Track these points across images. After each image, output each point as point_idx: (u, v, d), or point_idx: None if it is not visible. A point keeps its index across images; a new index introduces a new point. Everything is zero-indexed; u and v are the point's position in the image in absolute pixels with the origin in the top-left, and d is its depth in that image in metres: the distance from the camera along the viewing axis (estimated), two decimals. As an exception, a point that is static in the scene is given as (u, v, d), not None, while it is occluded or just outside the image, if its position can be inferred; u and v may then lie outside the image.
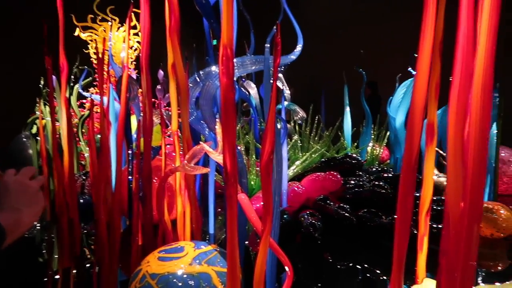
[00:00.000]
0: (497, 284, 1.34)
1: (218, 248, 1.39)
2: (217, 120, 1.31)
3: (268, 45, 1.38)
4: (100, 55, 1.71)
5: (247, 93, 3.42)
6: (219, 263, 1.30)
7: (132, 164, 1.97)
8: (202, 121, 1.94)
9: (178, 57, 1.41)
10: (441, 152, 2.96)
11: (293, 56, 1.53)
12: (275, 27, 1.45)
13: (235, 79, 2.46)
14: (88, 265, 1.92)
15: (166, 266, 1.26)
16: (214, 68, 1.64)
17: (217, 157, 1.28)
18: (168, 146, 2.89)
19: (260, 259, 1.04)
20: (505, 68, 2.61)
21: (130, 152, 1.95)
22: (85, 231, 2.45)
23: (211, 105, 1.55)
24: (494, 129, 2.66)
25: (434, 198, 1.81)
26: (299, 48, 1.55)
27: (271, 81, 2.27)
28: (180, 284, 1.22)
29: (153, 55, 1.59)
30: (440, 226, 1.93)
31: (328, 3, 7.95)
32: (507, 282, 1.33)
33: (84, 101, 4.64)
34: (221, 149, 1.27)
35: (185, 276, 1.23)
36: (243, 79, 3.95)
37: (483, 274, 1.95)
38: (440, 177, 2.77)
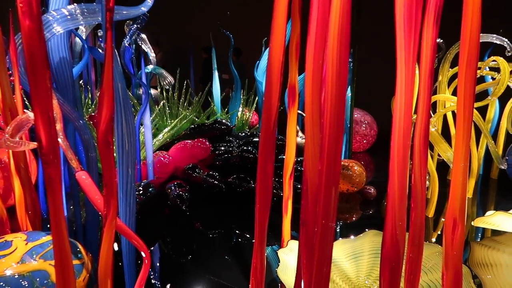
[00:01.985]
0: (352, 237, 1.42)
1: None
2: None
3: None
4: None
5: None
6: (60, 255, 1.08)
7: None
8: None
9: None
10: (302, 113, 3.10)
11: (144, 8, 1.31)
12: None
13: (83, 33, 2.10)
14: None
15: (-14, 269, 0.99)
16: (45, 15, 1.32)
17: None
18: None
19: (105, 247, 0.87)
20: (358, 34, 2.80)
21: None
22: None
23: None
24: (348, 92, 2.88)
25: (298, 159, 1.87)
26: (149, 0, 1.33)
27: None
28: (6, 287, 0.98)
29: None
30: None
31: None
32: (360, 235, 1.42)
33: None
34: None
35: (12, 277, 0.99)
36: (100, 39, 3.49)
37: (341, 226, 2.13)
38: (303, 139, 2.91)
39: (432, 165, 2.18)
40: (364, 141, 3.64)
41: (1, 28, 1.32)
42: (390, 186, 0.64)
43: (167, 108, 3.47)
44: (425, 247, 0.89)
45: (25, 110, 1.13)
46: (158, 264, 1.70)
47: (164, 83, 3.30)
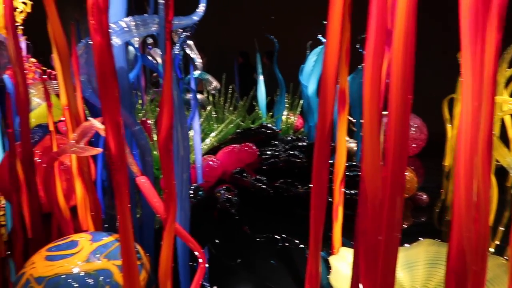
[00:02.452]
0: (406, 246, 1.38)
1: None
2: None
3: (163, 1, 1.19)
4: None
5: (154, 62, 3.15)
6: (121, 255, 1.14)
7: (13, 147, 1.66)
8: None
9: (52, 12, 1.16)
10: (350, 118, 3.05)
11: (195, 17, 1.35)
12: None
13: (136, 42, 2.20)
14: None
15: (56, 266, 1.06)
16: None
17: (109, 134, 1.09)
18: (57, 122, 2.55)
19: (165, 250, 0.91)
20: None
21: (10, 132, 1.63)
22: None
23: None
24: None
25: (346, 164, 1.84)
26: (202, 8, 1.37)
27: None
28: (75, 284, 1.04)
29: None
30: (352, 192, 1.99)
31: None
32: (414, 244, 1.37)
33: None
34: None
35: (80, 275, 1.05)
36: (150, 47, 3.64)
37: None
38: (350, 143, 2.86)
39: (490, 171, 2.06)
40: (414, 145, 3.51)
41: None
42: (456, 195, 0.62)
43: (214, 113, 3.54)
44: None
45: (88, 118, 1.20)
46: (208, 266, 1.74)
47: (210, 88, 3.37)
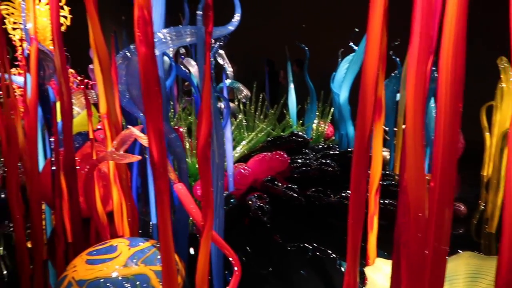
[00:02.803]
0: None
1: (157, 243, 1.24)
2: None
3: (201, 13, 1.22)
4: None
5: (187, 71, 3.22)
6: (158, 261, 1.16)
7: (56, 154, 1.74)
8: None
9: (96, 26, 1.21)
10: (386, 128, 2.99)
11: (231, 27, 1.38)
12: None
13: (170, 52, 2.26)
14: (5, 272, 1.69)
15: (96, 270, 1.10)
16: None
17: (147, 142, 1.12)
18: (95, 131, 2.64)
19: (203, 257, 0.91)
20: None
21: (53, 139, 1.71)
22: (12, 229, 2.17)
23: (139, 83, 1.36)
24: (432, 103, 2.72)
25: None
26: (237, 17, 1.40)
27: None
28: (112, 289, 1.07)
29: (83, 29, 1.36)
30: (386, 201, 1.94)
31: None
32: (453, 257, 1.32)
33: None
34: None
35: (118, 279, 1.08)
36: (182, 56, 3.72)
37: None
38: (383, 152, 2.80)
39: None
40: (450, 154, 3.39)
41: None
42: (507, 206, 0.59)
43: (244, 121, 3.56)
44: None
45: (128, 126, 1.24)
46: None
47: (241, 96, 3.40)
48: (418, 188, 0.64)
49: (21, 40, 5.21)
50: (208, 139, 0.85)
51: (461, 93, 0.56)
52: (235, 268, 1.04)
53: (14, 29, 5.17)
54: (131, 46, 1.50)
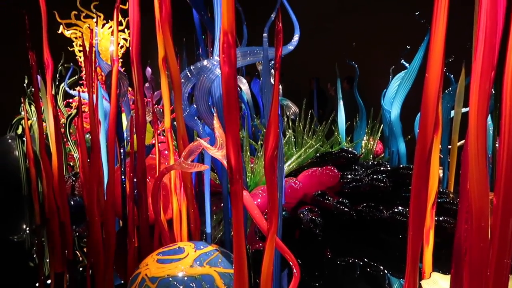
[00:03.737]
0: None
1: (219, 248, 1.33)
2: (214, 114, 1.25)
3: (266, 35, 1.32)
4: (87, 52, 1.63)
5: (238, 88, 3.37)
6: (221, 263, 1.25)
7: (124, 163, 1.90)
8: (195, 117, 1.87)
9: (170, 49, 1.35)
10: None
11: (291, 47, 1.47)
12: (272, 15, 1.40)
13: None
14: (81, 269, 1.85)
15: (166, 268, 1.20)
16: (206, 62, 1.58)
17: (215, 153, 1.22)
18: (159, 144, 2.82)
19: (267, 259, 0.98)
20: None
21: (122, 151, 1.87)
22: (77, 234, 2.37)
23: (207, 100, 1.48)
24: (488, 120, 2.64)
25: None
26: (296, 38, 1.49)
27: (272, 71, 2.21)
28: (181, 287, 1.16)
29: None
30: (440, 219, 1.92)
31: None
32: None
33: (70, 100, 4.53)
34: (220, 145, 1.22)
35: (186, 278, 1.18)
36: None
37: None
38: (436, 169, 2.75)
39: None
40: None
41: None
42: None
43: (293, 137, 3.64)
44: None
45: (197, 138, 1.35)
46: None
47: (289, 113, 3.48)
48: (481, 196, 0.67)
49: (86, 58, 5.68)
50: (275, 149, 0.93)
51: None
52: (295, 271, 1.10)
53: (80, 51, 5.65)
54: (192, 67, 1.63)
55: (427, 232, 1.40)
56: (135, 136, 1.50)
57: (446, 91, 2.88)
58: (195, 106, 1.80)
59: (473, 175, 0.68)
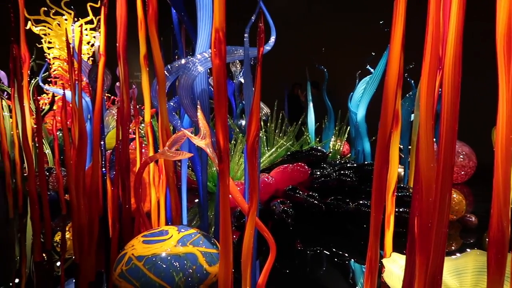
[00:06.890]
0: (456, 255, 1.48)
1: (200, 231, 1.44)
2: (198, 106, 1.35)
3: (247, 35, 1.44)
4: (71, 49, 1.69)
5: (212, 89, 3.46)
6: (203, 244, 1.35)
7: (104, 157, 1.96)
8: (173, 113, 1.96)
9: (156, 46, 1.44)
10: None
11: (267, 47, 1.60)
12: (253, 17, 1.52)
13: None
14: (57, 257, 1.89)
15: (152, 248, 1.29)
16: (183, 61, 1.68)
17: (199, 142, 1.33)
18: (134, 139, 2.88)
19: (248, 236, 1.10)
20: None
21: (102, 143, 1.94)
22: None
23: (191, 95, 1.59)
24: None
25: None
26: (272, 39, 1.62)
27: (254, 67, 2.33)
28: (167, 263, 1.25)
29: (113, 51, 1.61)
30: (400, 210, 2.10)
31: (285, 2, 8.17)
32: (463, 253, 1.48)
33: (38, 98, 4.46)
34: (203, 134, 1.32)
35: (171, 256, 1.27)
36: (208, 76, 3.99)
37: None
38: (398, 168, 2.96)
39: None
40: (462, 173, 3.53)
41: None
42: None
43: (264, 137, 3.77)
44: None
45: (181, 128, 1.45)
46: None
47: (261, 114, 3.61)
48: (429, 169, 0.82)
49: (54, 58, 5.61)
50: (257, 135, 1.05)
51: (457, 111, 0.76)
52: (271, 248, 1.22)
53: (49, 48, 5.57)
54: (169, 66, 1.72)
55: (388, 217, 1.56)
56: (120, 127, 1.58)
57: (407, 95, 3.11)
58: (172, 104, 1.89)
59: (423, 150, 0.83)
